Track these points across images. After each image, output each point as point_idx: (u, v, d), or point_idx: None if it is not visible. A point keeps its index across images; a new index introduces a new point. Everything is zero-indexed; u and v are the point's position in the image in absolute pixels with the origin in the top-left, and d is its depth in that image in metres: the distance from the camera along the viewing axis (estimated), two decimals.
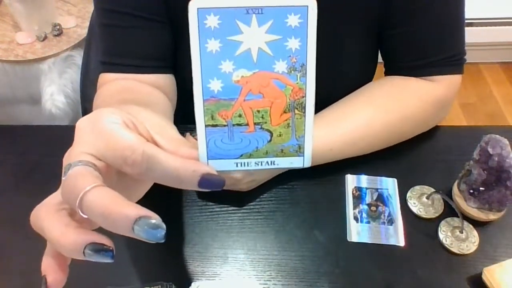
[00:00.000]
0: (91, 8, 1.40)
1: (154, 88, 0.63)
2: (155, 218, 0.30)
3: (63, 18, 1.38)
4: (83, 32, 1.33)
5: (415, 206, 0.61)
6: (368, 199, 0.62)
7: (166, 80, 0.66)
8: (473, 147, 0.59)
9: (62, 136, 0.73)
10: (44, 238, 0.33)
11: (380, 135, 0.64)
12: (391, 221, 0.60)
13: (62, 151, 0.67)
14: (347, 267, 0.56)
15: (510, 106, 1.94)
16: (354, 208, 0.61)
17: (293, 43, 0.32)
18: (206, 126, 0.34)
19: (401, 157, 0.66)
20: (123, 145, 0.32)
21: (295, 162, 0.37)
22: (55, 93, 1.29)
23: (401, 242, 0.58)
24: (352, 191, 0.63)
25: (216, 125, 0.34)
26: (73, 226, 0.31)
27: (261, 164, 0.36)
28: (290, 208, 0.62)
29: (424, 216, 0.61)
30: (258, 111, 0.34)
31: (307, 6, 0.31)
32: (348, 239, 0.58)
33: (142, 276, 0.54)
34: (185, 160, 0.33)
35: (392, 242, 0.58)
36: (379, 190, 0.63)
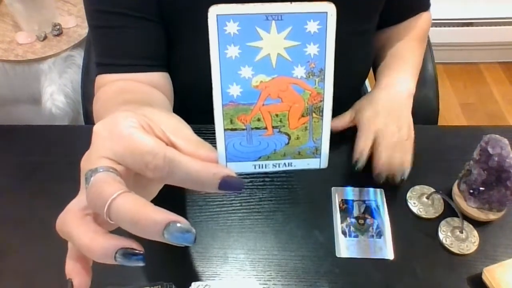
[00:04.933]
0: None
1: (152, 87, 0.63)
2: (184, 223, 0.30)
3: (63, 18, 1.38)
4: (83, 32, 1.33)
5: (415, 206, 0.61)
6: (355, 212, 0.61)
7: (162, 79, 0.66)
8: (473, 147, 0.59)
9: (62, 136, 0.74)
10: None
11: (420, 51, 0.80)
12: (379, 234, 0.59)
13: (62, 151, 0.68)
14: (347, 267, 0.56)
15: (510, 106, 1.94)
16: (342, 222, 0.60)
17: (312, 49, 0.33)
18: (225, 130, 0.35)
19: None
20: (143, 149, 0.32)
21: (312, 163, 0.37)
22: (55, 93, 1.29)
23: (390, 256, 0.57)
24: (339, 204, 0.62)
25: (235, 129, 0.35)
26: (101, 232, 0.31)
27: (279, 166, 0.37)
28: (290, 208, 0.62)
29: (424, 216, 0.61)
30: (277, 115, 0.35)
31: (327, 12, 0.32)
32: (337, 255, 0.57)
33: (142, 276, 0.54)
34: (205, 163, 0.33)
35: (381, 255, 0.57)
36: (366, 202, 0.62)
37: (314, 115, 0.35)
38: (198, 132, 0.65)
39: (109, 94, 0.60)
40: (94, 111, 0.60)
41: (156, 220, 0.30)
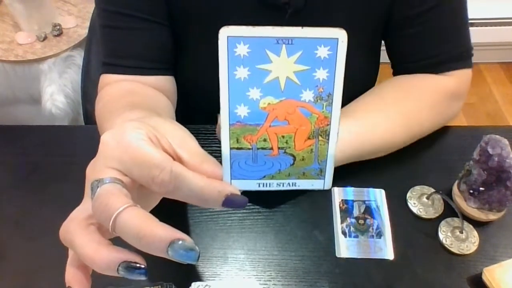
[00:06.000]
0: (91, 8, 1.40)
1: (156, 90, 0.63)
2: (189, 241, 0.31)
3: (63, 18, 1.38)
4: (83, 32, 1.34)
5: (415, 206, 0.61)
6: (355, 212, 0.61)
7: (167, 82, 0.66)
8: (473, 147, 0.59)
9: (62, 136, 0.74)
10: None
11: (398, 122, 0.63)
12: (379, 234, 0.59)
13: (62, 151, 0.68)
14: (347, 267, 0.56)
15: (510, 106, 1.94)
16: (342, 222, 0.60)
17: (321, 74, 0.33)
18: (231, 148, 0.35)
19: (400, 157, 0.66)
20: (150, 163, 0.32)
21: (316, 184, 0.38)
22: (55, 93, 1.29)
23: (390, 256, 0.57)
24: (339, 205, 0.61)
25: (241, 148, 0.35)
26: (105, 244, 0.32)
27: (283, 185, 0.38)
28: (290, 208, 0.62)
29: (424, 216, 0.60)
30: (283, 137, 0.35)
31: (337, 38, 0.32)
32: (337, 255, 0.57)
33: None
34: (210, 180, 0.34)
35: (381, 256, 0.57)
36: (366, 202, 0.62)
37: (320, 138, 0.36)
38: (198, 132, 0.66)
39: (112, 95, 0.60)
40: (96, 110, 0.60)
41: (161, 237, 0.30)
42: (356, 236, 0.58)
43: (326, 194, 0.63)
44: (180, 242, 0.30)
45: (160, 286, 0.52)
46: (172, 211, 0.61)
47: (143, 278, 0.31)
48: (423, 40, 0.67)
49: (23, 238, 0.59)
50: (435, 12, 0.65)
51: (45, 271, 0.55)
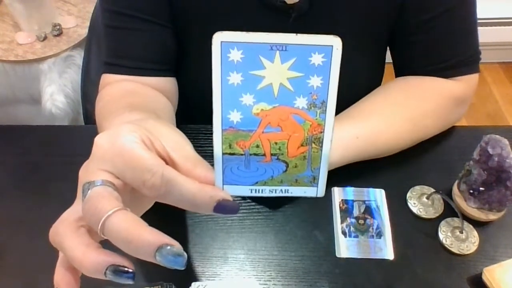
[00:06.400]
0: (91, 8, 1.40)
1: (157, 91, 0.63)
2: (177, 246, 0.31)
3: (63, 18, 1.38)
4: (83, 32, 1.34)
5: (415, 206, 0.61)
6: (355, 212, 0.61)
7: (168, 84, 0.67)
8: (473, 147, 0.59)
9: (62, 136, 0.74)
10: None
11: (404, 127, 0.63)
12: (379, 234, 0.59)
13: (62, 151, 0.68)
14: (347, 267, 0.56)
15: (510, 106, 1.94)
16: (342, 222, 0.60)
17: (315, 81, 0.33)
18: (223, 154, 0.35)
19: (400, 157, 0.66)
20: (142, 167, 0.32)
21: (309, 192, 0.38)
22: (55, 93, 1.29)
23: (390, 256, 0.57)
24: (339, 205, 0.61)
25: (233, 154, 0.35)
26: (94, 247, 0.32)
27: (275, 192, 0.37)
28: (290, 208, 0.62)
29: (424, 216, 0.60)
30: (276, 143, 0.35)
31: (332, 46, 0.32)
32: (337, 255, 0.57)
33: (142, 276, 0.54)
34: (202, 185, 0.34)
35: (381, 256, 0.57)
36: (366, 202, 0.62)
37: (313, 145, 0.35)
38: (198, 132, 0.66)
39: (113, 96, 0.60)
40: (96, 110, 0.60)
41: (149, 242, 0.30)
42: (356, 236, 0.58)
43: (326, 194, 0.63)
44: (168, 247, 0.30)
45: (160, 286, 0.52)
46: (172, 211, 0.61)
47: (130, 282, 0.31)
48: (433, 46, 0.67)
49: (23, 238, 0.59)
50: (445, 18, 0.64)
51: (45, 271, 0.55)
